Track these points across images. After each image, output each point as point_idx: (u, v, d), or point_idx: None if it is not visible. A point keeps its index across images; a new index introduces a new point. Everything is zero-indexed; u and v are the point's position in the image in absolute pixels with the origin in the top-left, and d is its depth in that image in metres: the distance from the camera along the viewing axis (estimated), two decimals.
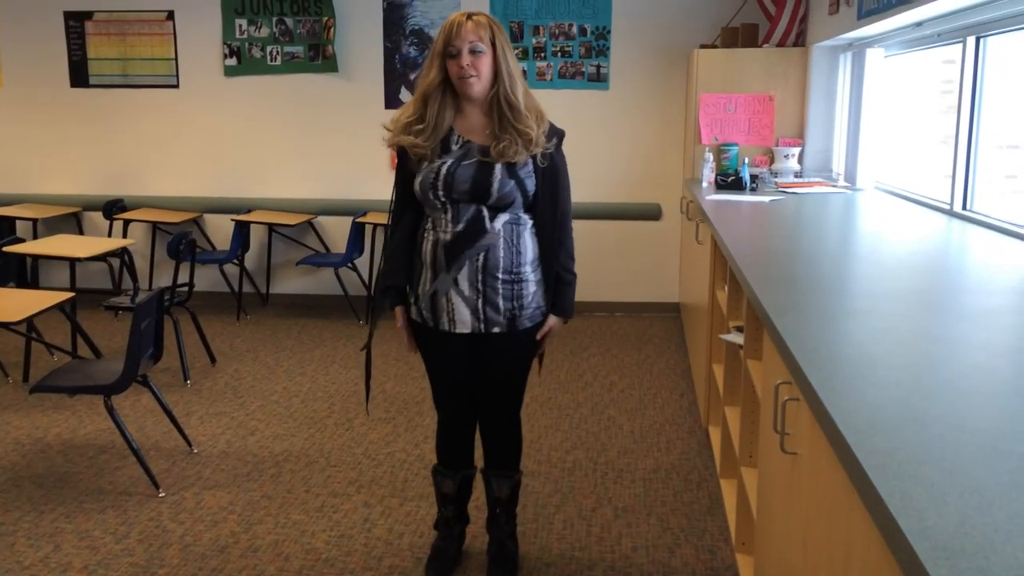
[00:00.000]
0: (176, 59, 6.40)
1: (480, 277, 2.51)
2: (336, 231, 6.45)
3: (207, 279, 6.44)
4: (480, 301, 2.53)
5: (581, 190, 6.24)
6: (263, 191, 6.51)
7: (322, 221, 6.48)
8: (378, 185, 6.39)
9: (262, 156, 6.48)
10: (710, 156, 5.04)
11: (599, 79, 6.12)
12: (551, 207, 2.57)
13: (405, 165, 2.56)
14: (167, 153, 6.54)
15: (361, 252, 6.27)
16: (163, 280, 6.43)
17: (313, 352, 5.34)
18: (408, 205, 2.58)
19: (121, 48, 6.42)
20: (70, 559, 2.89)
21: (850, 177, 4.92)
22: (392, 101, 6.27)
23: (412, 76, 6.22)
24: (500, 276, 2.52)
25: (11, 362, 4.90)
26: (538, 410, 4.34)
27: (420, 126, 2.48)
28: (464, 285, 2.51)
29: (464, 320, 2.55)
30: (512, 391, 2.75)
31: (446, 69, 2.45)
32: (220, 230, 6.52)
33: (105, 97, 6.50)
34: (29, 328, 4.58)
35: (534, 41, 6.10)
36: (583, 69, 6.11)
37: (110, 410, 3.42)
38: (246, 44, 6.32)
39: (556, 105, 6.14)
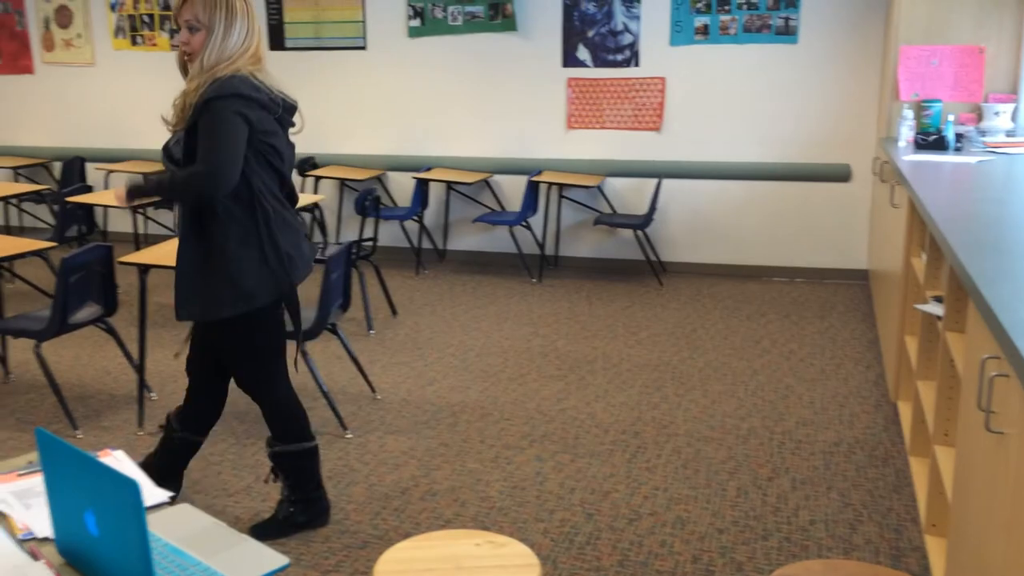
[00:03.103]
0: (364, 21, 6.64)
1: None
2: (511, 190, 6.54)
3: (388, 234, 6.71)
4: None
5: (764, 150, 6.05)
6: (442, 150, 6.68)
7: (498, 179, 6.58)
8: (553, 144, 6.41)
9: (442, 115, 6.64)
10: (909, 113, 4.70)
11: (787, 32, 5.82)
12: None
13: None
14: (355, 113, 6.83)
15: (535, 211, 6.33)
16: (349, 234, 6.76)
17: (487, 308, 5.47)
18: None
19: (314, 12, 6.73)
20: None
21: None
22: (569, 59, 6.24)
23: (590, 33, 6.16)
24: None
25: None
26: (712, 375, 4.26)
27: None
28: None
29: None
30: None
31: None
32: (401, 187, 6.76)
33: (300, 59, 6.84)
34: None
35: None
36: (770, 22, 5.84)
37: (304, 355, 3.65)
38: (429, 5, 6.46)
39: (740, 61, 5.95)
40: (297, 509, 2.86)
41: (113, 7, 7.17)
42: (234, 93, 2.45)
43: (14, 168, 7.37)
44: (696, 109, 6.10)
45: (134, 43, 7.15)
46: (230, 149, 2.44)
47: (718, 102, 6.04)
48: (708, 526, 2.90)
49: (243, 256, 2.54)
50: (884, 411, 3.80)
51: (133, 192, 2.60)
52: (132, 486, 1.18)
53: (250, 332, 2.67)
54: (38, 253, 4.28)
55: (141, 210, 5.78)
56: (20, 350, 4.48)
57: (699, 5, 5.93)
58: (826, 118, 5.89)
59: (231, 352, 2.73)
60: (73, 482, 1.30)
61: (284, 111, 2.59)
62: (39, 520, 1.49)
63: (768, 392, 4.04)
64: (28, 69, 7.53)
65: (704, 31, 5.95)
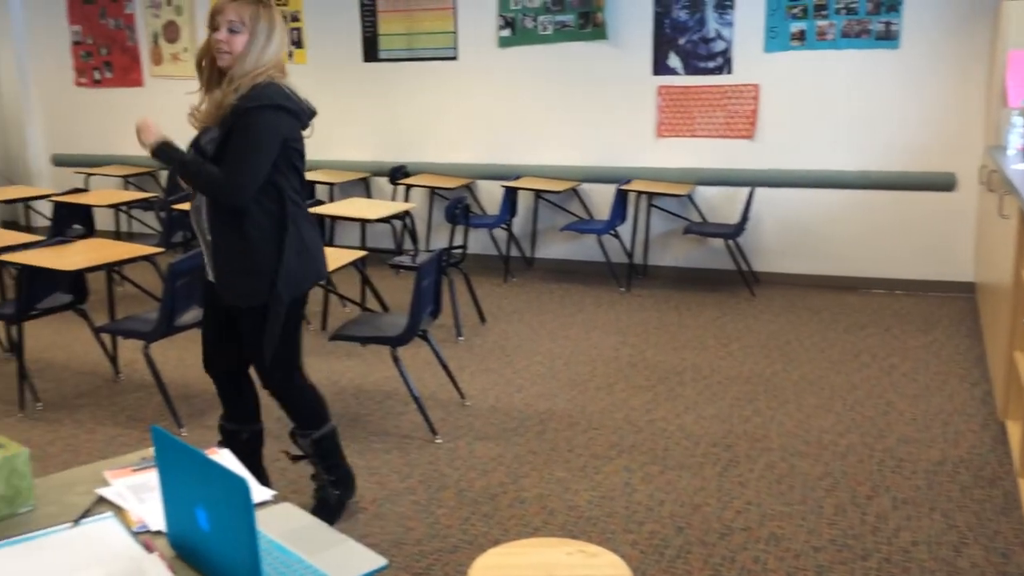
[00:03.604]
0: (456, 32, 6.73)
1: (203, 237, 2.73)
2: (600, 198, 6.52)
3: (477, 242, 6.77)
4: (209, 258, 2.75)
5: (863, 158, 5.87)
6: (531, 158, 6.71)
7: (587, 188, 6.57)
8: (643, 153, 6.37)
9: (531, 124, 6.67)
10: (1019, 120, 4.49)
11: (888, 37, 5.65)
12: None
13: None
14: (445, 122, 6.92)
15: (623, 219, 6.29)
16: (437, 242, 6.85)
17: (575, 316, 5.46)
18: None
19: (408, 23, 6.86)
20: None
21: None
22: (660, 66, 6.20)
23: (682, 41, 6.10)
24: (209, 236, 2.70)
25: (311, 311, 5.45)
26: (807, 389, 4.15)
27: (199, 92, 2.73)
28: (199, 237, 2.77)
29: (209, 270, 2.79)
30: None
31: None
32: (490, 195, 6.82)
33: (393, 70, 6.98)
34: (327, 281, 5.08)
35: None
36: (870, 27, 5.67)
37: (396, 360, 3.71)
38: (520, 15, 6.50)
39: (838, 67, 5.80)
40: (340, 489, 3.00)
41: None
42: (272, 104, 2.59)
43: (124, 176, 7.74)
44: (791, 116, 5.97)
45: None
46: (256, 165, 2.59)
47: (815, 109, 5.90)
48: (804, 544, 2.82)
49: (274, 249, 2.67)
50: (991, 430, 3.64)
51: (160, 151, 2.68)
52: (242, 484, 1.22)
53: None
54: (147, 258, 4.48)
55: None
56: (129, 350, 4.69)
57: (795, 10, 5.81)
58: (929, 125, 5.69)
59: (257, 341, 2.77)
60: (186, 478, 1.35)
61: (308, 118, 2.76)
62: (153, 514, 1.56)
63: (867, 408, 3.91)
64: (138, 82, 7.89)
65: (800, 37, 5.83)
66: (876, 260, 5.95)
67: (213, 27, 2.62)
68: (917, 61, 5.63)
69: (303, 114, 2.70)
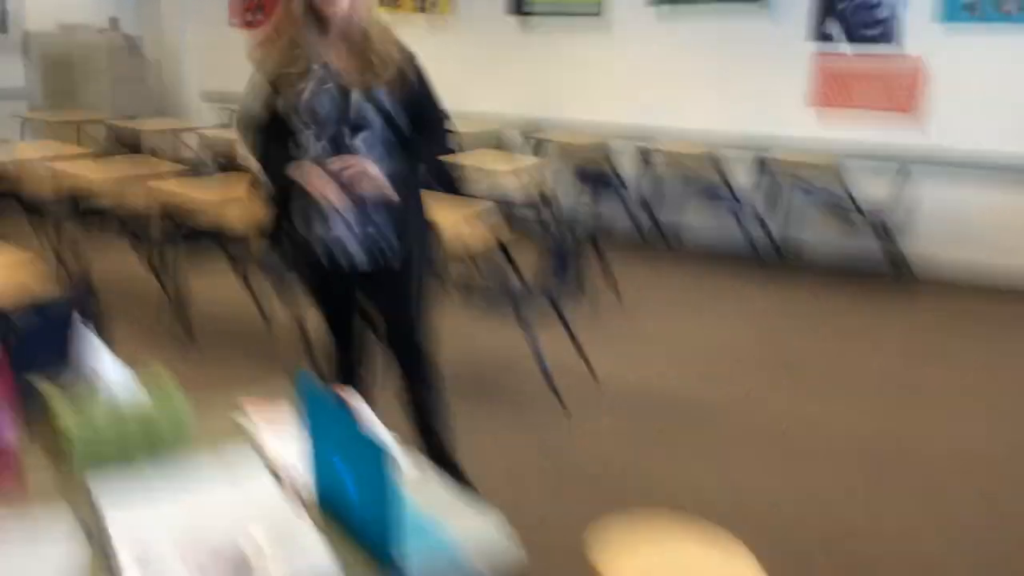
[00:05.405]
0: None
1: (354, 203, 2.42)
2: (741, 167, 6.26)
3: (610, 208, 6.61)
4: (373, 223, 2.47)
5: None
6: (671, 121, 6.48)
7: (727, 155, 6.31)
8: (791, 124, 6.05)
9: (674, 86, 6.45)
10: None
11: None
12: (417, 123, 2.43)
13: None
14: (585, 80, 6.77)
15: (767, 194, 6.01)
16: (569, 201, 6.72)
17: (714, 301, 5.23)
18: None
19: None
20: (487, 460, 3.09)
21: None
22: (816, 33, 5.85)
23: (841, 6, 5.73)
24: (374, 200, 2.41)
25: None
26: (963, 397, 3.88)
27: (298, 50, 2.38)
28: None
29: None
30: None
31: None
32: (626, 157, 6.64)
33: (536, 24, 6.87)
34: None
35: None
36: None
37: (526, 326, 3.65)
38: None
39: (1018, 43, 5.30)
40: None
41: None
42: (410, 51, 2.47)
43: None
44: (960, 94, 5.53)
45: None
46: None
47: (989, 88, 5.44)
48: (953, 563, 2.63)
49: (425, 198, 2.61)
50: None
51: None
52: (382, 449, 1.23)
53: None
54: None
55: None
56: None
57: None
58: None
59: (417, 299, 2.65)
60: (328, 432, 1.39)
61: None
62: (287, 448, 1.61)
63: None
64: None
65: (975, 7, 5.36)
66: None
67: None
68: None
69: None
